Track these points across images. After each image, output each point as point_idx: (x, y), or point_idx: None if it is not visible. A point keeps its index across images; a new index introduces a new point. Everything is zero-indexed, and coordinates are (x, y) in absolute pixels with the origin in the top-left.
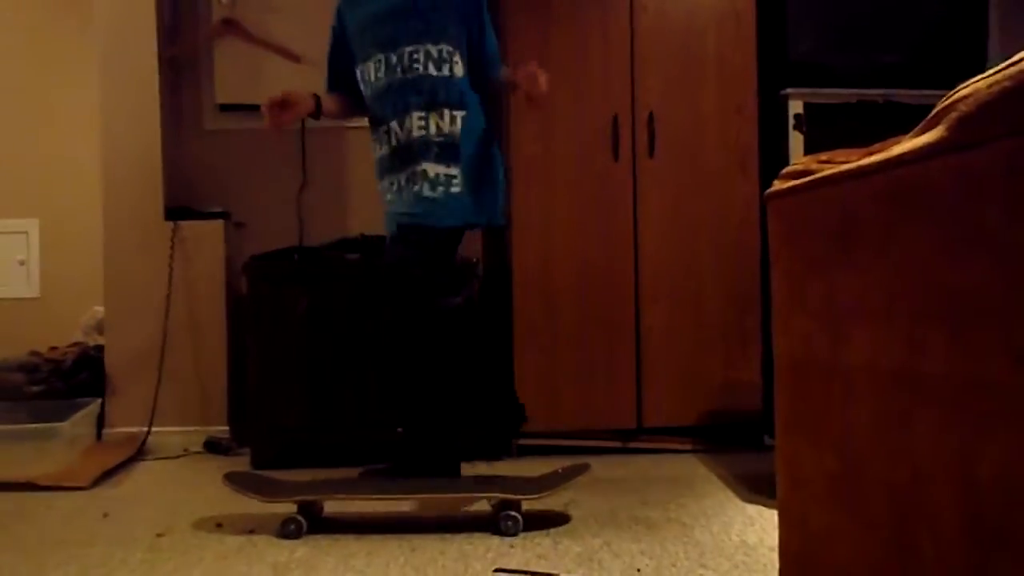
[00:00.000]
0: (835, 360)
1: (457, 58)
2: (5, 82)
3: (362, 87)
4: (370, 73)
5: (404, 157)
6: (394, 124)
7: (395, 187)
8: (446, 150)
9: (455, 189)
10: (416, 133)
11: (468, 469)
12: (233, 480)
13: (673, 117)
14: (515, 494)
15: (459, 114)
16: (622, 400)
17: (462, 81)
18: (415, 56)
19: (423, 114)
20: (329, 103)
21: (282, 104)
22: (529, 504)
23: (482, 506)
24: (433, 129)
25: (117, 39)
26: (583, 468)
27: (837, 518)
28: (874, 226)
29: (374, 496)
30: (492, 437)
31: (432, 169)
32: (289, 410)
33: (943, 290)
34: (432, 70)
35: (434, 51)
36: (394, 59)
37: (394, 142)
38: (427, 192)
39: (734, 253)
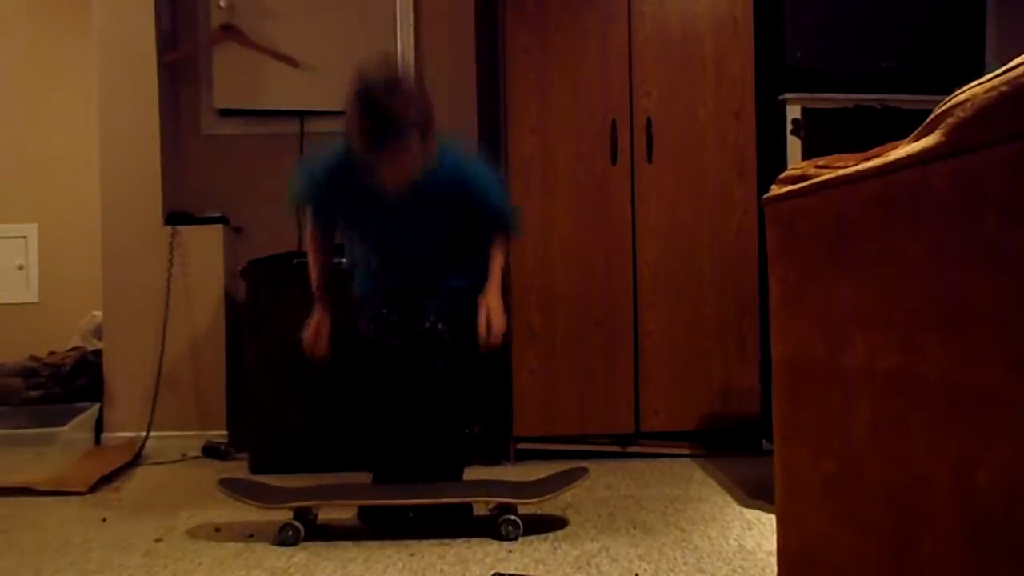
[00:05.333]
0: (833, 364)
1: (458, 233)
2: (4, 87)
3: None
4: (360, 231)
5: (404, 297)
6: (390, 267)
7: (388, 304)
8: (445, 300)
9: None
10: (421, 287)
11: (466, 473)
12: (227, 486)
13: (671, 122)
14: (514, 498)
15: (461, 283)
16: (620, 405)
17: (461, 248)
18: (416, 240)
19: (427, 284)
20: (324, 279)
21: (315, 334)
22: (527, 508)
23: (480, 510)
24: (434, 290)
25: (116, 44)
26: (581, 473)
27: (835, 522)
28: (871, 231)
29: (372, 502)
30: (489, 441)
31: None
32: (287, 415)
33: (940, 295)
34: (436, 251)
35: (435, 234)
36: (393, 242)
37: (393, 283)
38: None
39: (732, 258)
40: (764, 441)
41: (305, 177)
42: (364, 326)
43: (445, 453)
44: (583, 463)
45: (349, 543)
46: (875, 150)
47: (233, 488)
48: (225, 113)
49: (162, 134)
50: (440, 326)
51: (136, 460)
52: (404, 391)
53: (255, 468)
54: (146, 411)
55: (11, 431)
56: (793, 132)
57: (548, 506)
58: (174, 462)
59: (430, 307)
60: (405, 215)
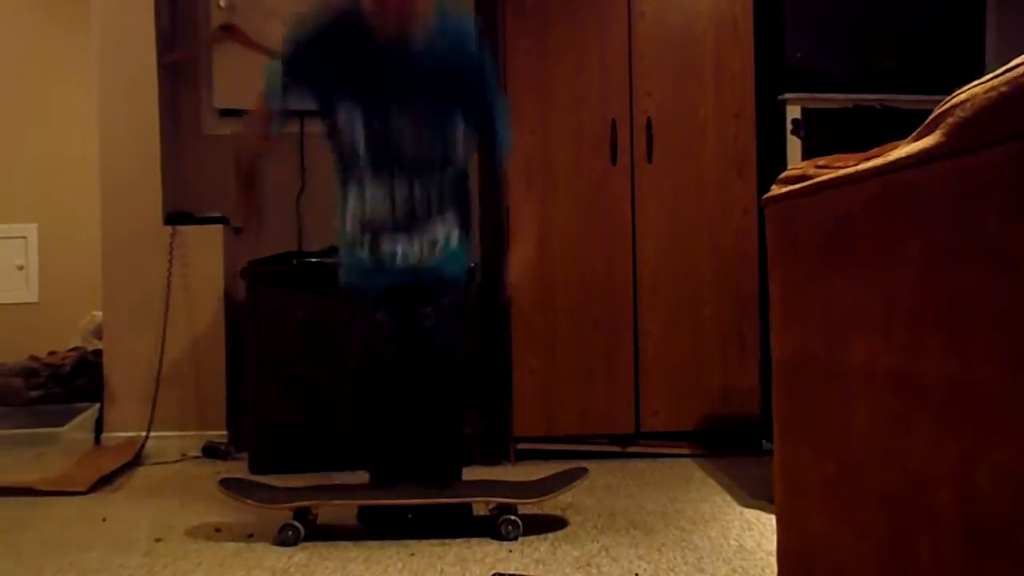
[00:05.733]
0: (833, 364)
1: (453, 166)
2: (4, 87)
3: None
4: (359, 125)
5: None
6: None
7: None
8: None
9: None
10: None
11: (466, 473)
12: (227, 486)
13: (671, 122)
14: (514, 499)
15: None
16: (620, 405)
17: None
18: (412, 156)
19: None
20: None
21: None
22: (527, 509)
23: (480, 510)
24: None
25: (116, 44)
26: (581, 473)
27: (835, 523)
28: (871, 231)
29: (372, 502)
30: (489, 441)
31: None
32: (287, 415)
33: (940, 295)
34: (432, 184)
35: (433, 154)
36: (387, 141)
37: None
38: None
39: (732, 258)
40: (764, 441)
41: (288, 46)
42: (358, 336)
43: (443, 454)
44: (583, 463)
45: (349, 543)
46: (875, 150)
47: (233, 488)
48: (225, 113)
49: (162, 134)
50: (432, 332)
51: (136, 460)
52: (401, 397)
53: (255, 468)
54: (146, 411)
55: (11, 431)
56: (793, 132)
57: (548, 506)
58: (174, 462)
59: (423, 312)
60: (399, 85)
